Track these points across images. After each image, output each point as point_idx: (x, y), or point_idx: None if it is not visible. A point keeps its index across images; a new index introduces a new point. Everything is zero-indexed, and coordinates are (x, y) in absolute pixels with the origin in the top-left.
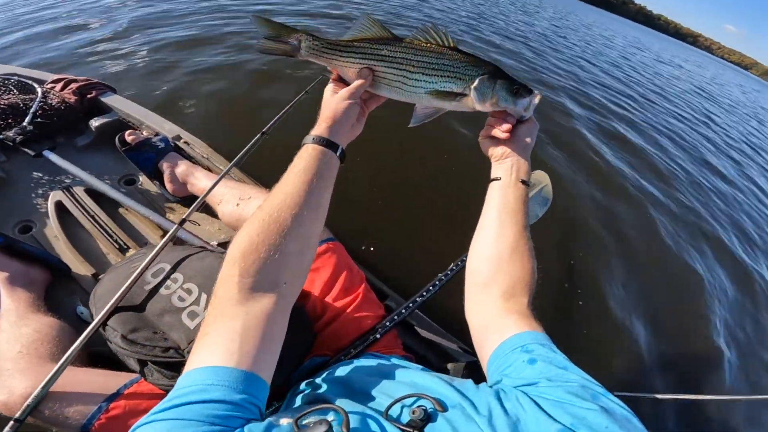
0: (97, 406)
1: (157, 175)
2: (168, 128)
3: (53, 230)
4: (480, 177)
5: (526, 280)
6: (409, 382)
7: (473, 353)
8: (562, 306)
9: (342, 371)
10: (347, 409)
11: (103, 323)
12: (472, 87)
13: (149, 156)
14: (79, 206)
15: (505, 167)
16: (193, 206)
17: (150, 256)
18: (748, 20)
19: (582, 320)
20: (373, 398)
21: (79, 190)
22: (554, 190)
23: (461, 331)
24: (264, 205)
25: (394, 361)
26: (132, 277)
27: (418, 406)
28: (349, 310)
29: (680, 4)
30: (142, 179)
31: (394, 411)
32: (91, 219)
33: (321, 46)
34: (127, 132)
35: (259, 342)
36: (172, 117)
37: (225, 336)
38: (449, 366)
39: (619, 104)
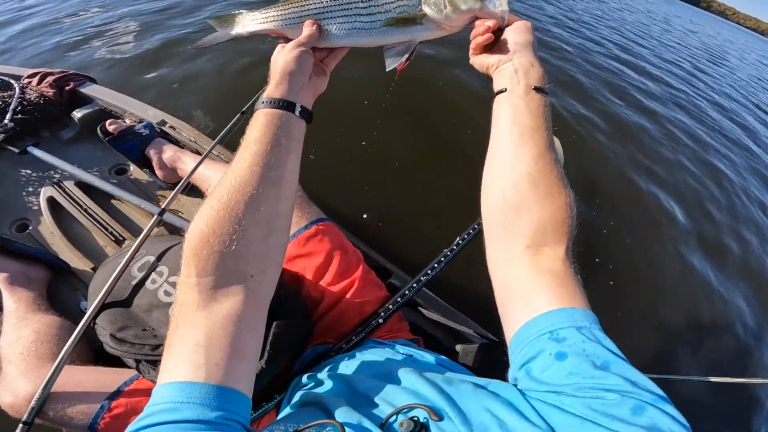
0: (100, 405)
1: (145, 163)
2: (152, 114)
3: (48, 227)
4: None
5: (558, 218)
6: (411, 386)
7: (485, 335)
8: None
9: (343, 368)
10: (344, 421)
11: (92, 321)
12: (423, 2)
13: (133, 144)
14: (71, 200)
15: (508, 73)
16: (173, 193)
17: (130, 252)
18: None
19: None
20: (372, 405)
21: (69, 184)
22: (580, 149)
23: (472, 308)
24: (214, 189)
25: (400, 350)
26: (114, 275)
27: (412, 418)
28: (348, 295)
29: None
30: (133, 168)
31: (392, 421)
32: (84, 212)
33: (260, 15)
34: (108, 121)
35: (228, 350)
36: (157, 102)
37: (188, 348)
38: (458, 348)
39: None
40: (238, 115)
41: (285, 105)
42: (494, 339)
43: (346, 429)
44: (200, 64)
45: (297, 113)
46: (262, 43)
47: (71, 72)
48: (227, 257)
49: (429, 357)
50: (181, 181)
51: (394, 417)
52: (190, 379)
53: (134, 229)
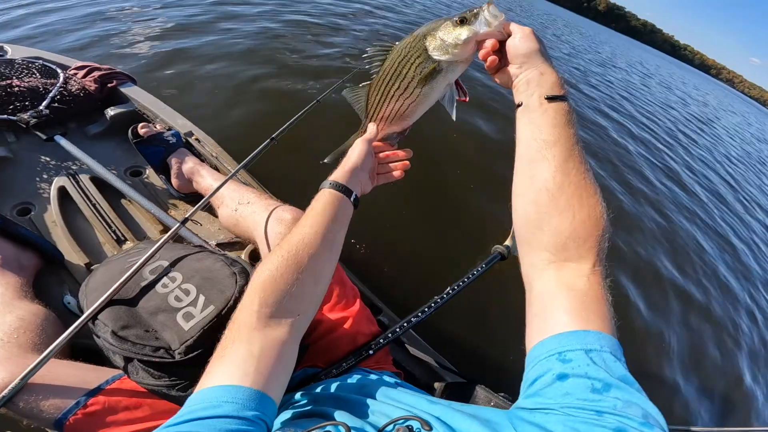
0: (75, 400)
1: (163, 170)
2: (181, 123)
3: (52, 215)
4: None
5: (580, 233)
6: (403, 403)
7: (458, 372)
8: None
9: (336, 388)
10: (349, 424)
11: (94, 317)
12: (431, 54)
13: (159, 150)
14: (82, 193)
15: (522, 86)
16: (197, 206)
17: (151, 251)
18: None
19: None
20: (369, 415)
21: (84, 178)
22: None
23: (448, 349)
24: (284, 242)
25: (386, 378)
26: (130, 272)
27: (408, 426)
28: (343, 325)
29: (708, 36)
30: (148, 172)
31: (389, 429)
32: (92, 207)
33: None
34: (141, 124)
35: (272, 365)
36: (187, 112)
37: (242, 358)
38: (436, 386)
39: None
40: (267, 141)
41: (345, 191)
42: (463, 380)
43: (352, 430)
44: (236, 77)
45: (352, 200)
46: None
47: (117, 70)
48: (287, 296)
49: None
50: (204, 198)
51: (391, 426)
52: (238, 383)
53: (138, 232)
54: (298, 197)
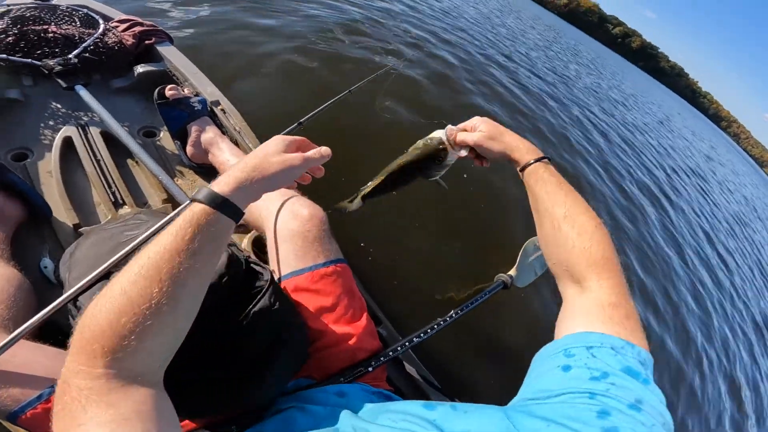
0: (38, 393)
1: (180, 136)
2: (210, 91)
3: (49, 165)
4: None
5: (579, 258)
6: (399, 411)
7: (448, 396)
8: None
9: (334, 399)
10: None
11: (75, 298)
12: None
13: (182, 115)
14: (87, 146)
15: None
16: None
17: (153, 229)
18: None
19: None
20: (371, 422)
21: (94, 131)
22: None
23: (441, 371)
24: (117, 278)
25: (382, 393)
26: (123, 252)
27: None
28: (346, 341)
29: (730, 83)
30: (162, 135)
31: None
32: (95, 163)
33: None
34: (169, 86)
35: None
36: (219, 82)
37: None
38: None
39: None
40: (295, 125)
41: (231, 211)
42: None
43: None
44: (277, 55)
45: (237, 221)
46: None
47: (159, 28)
48: (136, 341)
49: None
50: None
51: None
52: None
53: (138, 197)
54: (317, 189)
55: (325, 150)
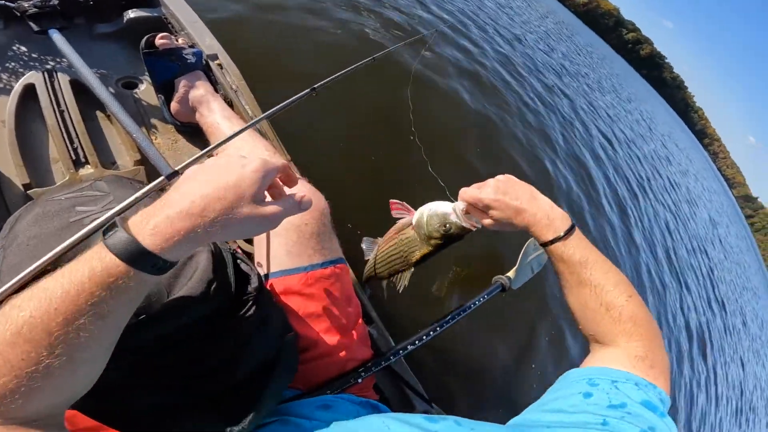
0: None
1: (165, 90)
2: (208, 43)
3: (3, 113)
4: None
5: (613, 329)
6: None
7: (434, 406)
8: None
9: (320, 413)
10: None
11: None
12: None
13: (172, 66)
14: (52, 95)
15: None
16: (194, 158)
17: (113, 212)
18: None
19: None
20: None
21: (63, 79)
22: None
23: (428, 378)
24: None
25: (371, 406)
26: (73, 239)
27: None
28: (338, 352)
29: (723, 103)
30: (144, 87)
31: None
32: (58, 114)
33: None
34: (160, 35)
35: None
36: (222, 35)
37: None
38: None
39: None
40: (308, 90)
41: (160, 269)
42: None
43: None
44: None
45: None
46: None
47: None
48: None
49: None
50: (207, 149)
51: None
52: None
53: (105, 155)
54: (321, 167)
55: (306, 203)
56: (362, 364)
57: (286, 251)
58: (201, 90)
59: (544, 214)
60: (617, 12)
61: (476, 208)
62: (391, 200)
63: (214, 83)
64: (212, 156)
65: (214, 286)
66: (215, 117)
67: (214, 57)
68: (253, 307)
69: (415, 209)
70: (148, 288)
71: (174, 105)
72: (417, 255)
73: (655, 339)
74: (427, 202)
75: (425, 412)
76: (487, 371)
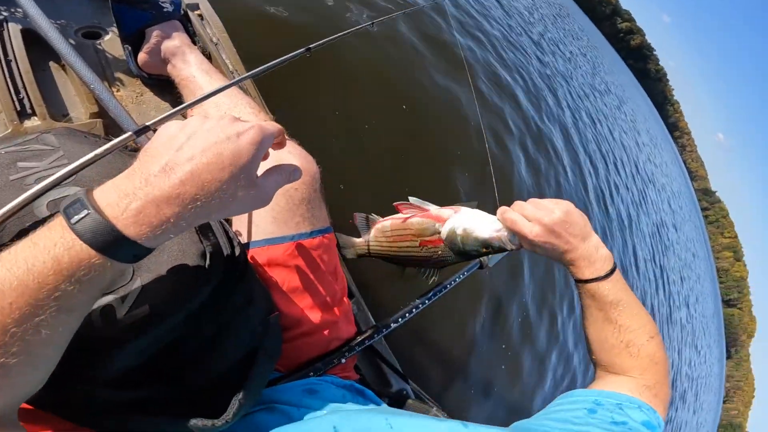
0: None
1: (134, 41)
2: None
3: None
4: None
5: (628, 365)
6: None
7: (410, 382)
8: None
9: (305, 399)
10: None
11: None
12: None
13: (144, 15)
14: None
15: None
16: (167, 114)
17: (57, 176)
18: (739, 138)
19: None
20: None
21: (14, 28)
22: None
23: (408, 359)
24: None
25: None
26: (18, 200)
27: None
28: (322, 330)
29: (695, 97)
30: (109, 37)
31: None
32: (4, 62)
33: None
34: None
35: None
36: None
37: None
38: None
39: None
40: (303, 49)
41: (135, 256)
42: (420, 397)
43: None
44: None
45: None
46: None
47: None
48: None
49: (378, 400)
50: (183, 106)
51: None
52: None
53: (57, 106)
54: (308, 129)
55: (297, 173)
56: (346, 343)
57: (273, 218)
58: (176, 41)
59: (589, 254)
60: (616, 0)
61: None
62: (396, 203)
63: (192, 35)
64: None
65: (208, 256)
66: (191, 70)
67: (195, 6)
68: (238, 285)
69: (423, 203)
70: (123, 271)
71: (142, 55)
72: (444, 263)
73: (665, 377)
74: (459, 208)
75: (401, 390)
76: (459, 350)
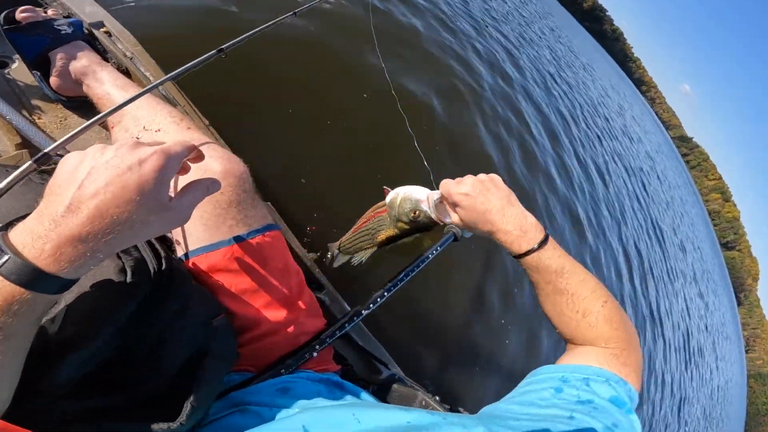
0: None
1: (40, 65)
2: (89, 11)
3: None
4: None
5: (589, 335)
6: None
7: (394, 369)
8: None
9: (275, 399)
10: None
11: None
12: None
13: (41, 40)
14: None
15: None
16: (66, 137)
17: None
18: (704, 87)
19: None
20: None
21: None
22: None
23: (393, 342)
24: None
25: (332, 382)
26: None
27: None
28: (285, 328)
29: (655, 52)
30: (17, 65)
31: None
32: None
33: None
34: (21, 8)
35: None
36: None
37: None
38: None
39: None
40: (214, 52)
41: (61, 287)
42: (404, 382)
43: None
44: None
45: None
46: None
47: None
48: None
49: (357, 390)
50: (93, 120)
51: None
52: None
53: None
54: (237, 130)
55: (214, 185)
56: (315, 337)
57: (204, 225)
58: (83, 60)
59: (516, 226)
60: None
61: (448, 202)
62: (385, 187)
63: (102, 53)
64: (110, 126)
65: (129, 271)
66: (105, 87)
67: (99, 25)
68: (168, 294)
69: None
70: (55, 299)
71: (54, 79)
72: (382, 236)
73: (630, 339)
74: (408, 185)
75: (390, 376)
76: (443, 329)
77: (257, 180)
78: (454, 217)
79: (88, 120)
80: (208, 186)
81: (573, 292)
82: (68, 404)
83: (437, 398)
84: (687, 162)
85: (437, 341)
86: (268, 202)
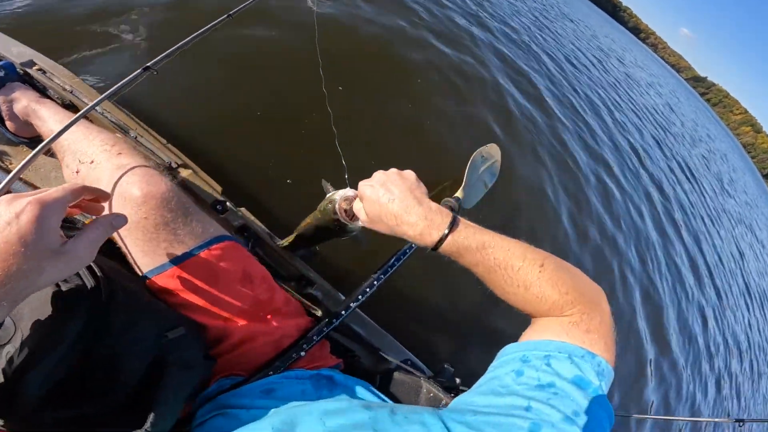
0: None
1: None
2: (17, 51)
3: None
4: None
5: (540, 307)
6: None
7: (415, 362)
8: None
9: (264, 401)
10: None
11: None
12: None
13: None
14: None
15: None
16: (11, 175)
17: None
18: (704, 27)
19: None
20: None
21: None
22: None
23: (397, 327)
24: None
25: (322, 380)
26: None
27: None
28: (262, 332)
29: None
30: None
31: None
32: None
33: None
34: None
35: None
36: (33, 41)
37: None
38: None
39: None
40: (139, 70)
41: None
42: (406, 368)
43: None
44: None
45: None
46: None
47: None
48: None
49: (351, 383)
50: (37, 148)
51: None
52: None
53: None
54: (187, 136)
55: (119, 220)
56: (302, 336)
57: (141, 252)
58: (23, 101)
59: (421, 216)
60: None
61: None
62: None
63: (42, 90)
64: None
65: (63, 293)
66: (48, 125)
67: (30, 63)
68: (111, 312)
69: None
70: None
71: (9, 124)
72: (306, 221)
73: (588, 301)
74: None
75: (396, 366)
76: (458, 310)
77: (236, 187)
78: (362, 217)
79: (54, 157)
80: (110, 222)
81: (504, 265)
82: (45, 416)
83: (440, 388)
84: (708, 100)
85: (453, 322)
86: (242, 208)
